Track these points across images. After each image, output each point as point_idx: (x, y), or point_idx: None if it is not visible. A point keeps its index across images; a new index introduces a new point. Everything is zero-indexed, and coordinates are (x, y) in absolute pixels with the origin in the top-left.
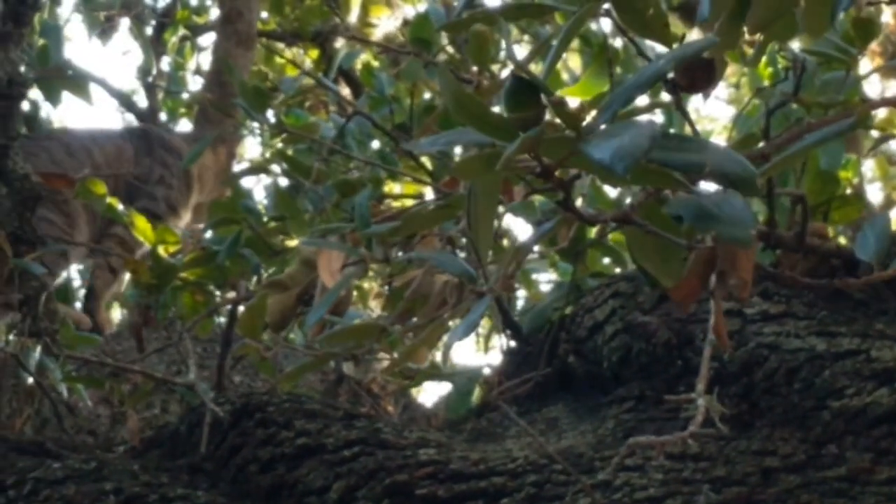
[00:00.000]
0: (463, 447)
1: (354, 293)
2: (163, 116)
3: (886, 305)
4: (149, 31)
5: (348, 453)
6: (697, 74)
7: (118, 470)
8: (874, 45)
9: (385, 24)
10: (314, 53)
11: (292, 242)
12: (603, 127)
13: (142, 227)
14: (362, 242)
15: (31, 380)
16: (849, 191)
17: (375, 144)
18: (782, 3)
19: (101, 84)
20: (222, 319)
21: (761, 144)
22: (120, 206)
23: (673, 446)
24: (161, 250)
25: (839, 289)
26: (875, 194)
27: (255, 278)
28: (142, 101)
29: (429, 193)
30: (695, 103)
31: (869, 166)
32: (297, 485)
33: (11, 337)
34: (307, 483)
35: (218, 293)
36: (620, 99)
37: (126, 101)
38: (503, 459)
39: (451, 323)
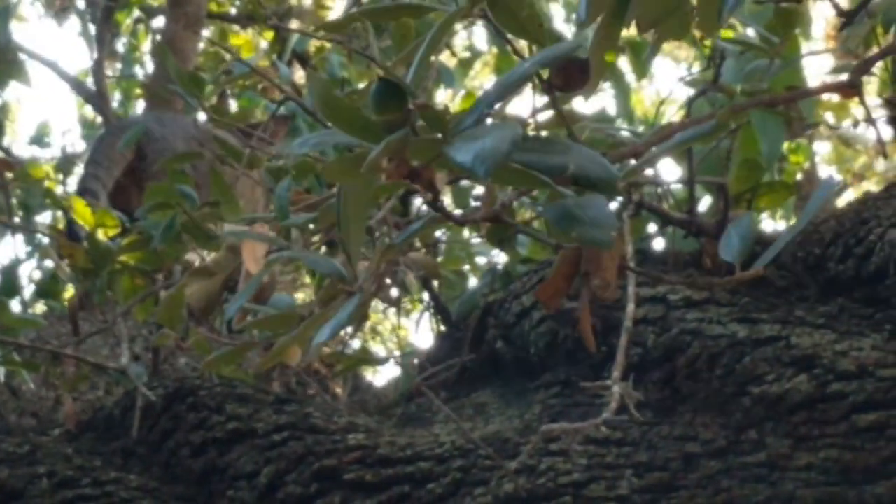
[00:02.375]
0: (391, 432)
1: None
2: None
3: (807, 292)
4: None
5: (278, 438)
6: (573, 75)
7: (52, 453)
8: (830, 30)
9: (339, 5)
10: (269, 35)
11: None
12: (467, 129)
13: (80, 210)
14: (281, 231)
15: None
16: (799, 175)
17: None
18: (666, 4)
19: (51, 66)
20: None
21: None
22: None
23: (595, 431)
24: (100, 234)
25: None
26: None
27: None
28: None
29: None
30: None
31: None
32: (227, 469)
33: None
34: (237, 467)
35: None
36: (487, 100)
37: (76, 84)
38: (430, 444)
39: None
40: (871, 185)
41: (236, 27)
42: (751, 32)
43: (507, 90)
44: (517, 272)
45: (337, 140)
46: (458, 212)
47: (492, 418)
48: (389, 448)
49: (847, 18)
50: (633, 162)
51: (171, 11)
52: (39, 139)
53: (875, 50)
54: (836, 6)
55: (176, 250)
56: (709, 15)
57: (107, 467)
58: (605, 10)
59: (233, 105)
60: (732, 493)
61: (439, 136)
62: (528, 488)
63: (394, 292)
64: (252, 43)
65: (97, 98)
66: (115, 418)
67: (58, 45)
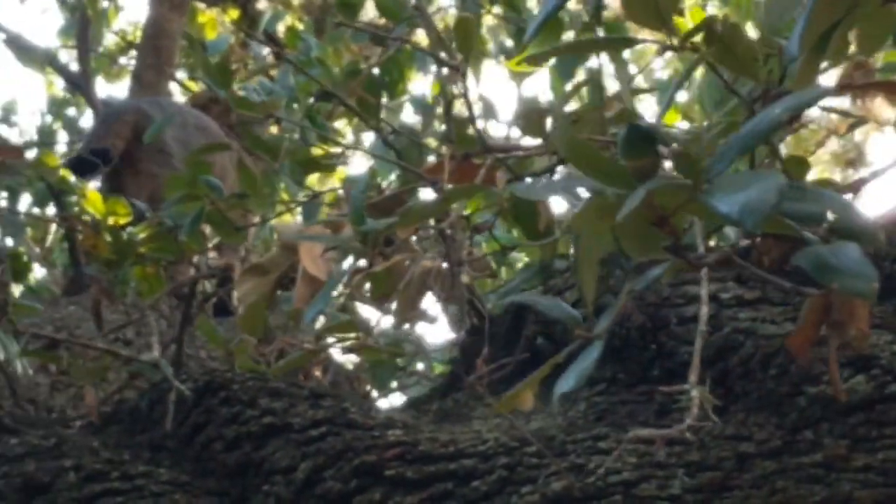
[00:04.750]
0: (430, 428)
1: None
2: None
3: None
4: None
5: (315, 433)
6: None
7: (78, 446)
8: None
9: None
10: (234, 14)
11: (255, 219)
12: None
13: (92, 199)
14: (356, 236)
15: None
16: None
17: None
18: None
19: (23, 45)
20: None
21: None
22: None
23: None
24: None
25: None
26: None
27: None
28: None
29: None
30: None
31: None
32: (262, 464)
33: None
34: (273, 462)
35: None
36: (737, 147)
37: (57, 65)
38: (473, 441)
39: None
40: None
41: (202, 5)
42: None
43: (756, 137)
44: (556, 267)
45: (584, 185)
46: None
47: (533, 415)
48: (430, 444)
49: None
50: None
51: None
52: (6, 118)
53: None
54: None
55: (198, 241)
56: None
57: (135, 461)
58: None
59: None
60: (788, 494)
61: (689, 182)
62: (577, 487)
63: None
64: (215, 21)
65: (81, 80)
66: (141, 411)
67: (15, 18)
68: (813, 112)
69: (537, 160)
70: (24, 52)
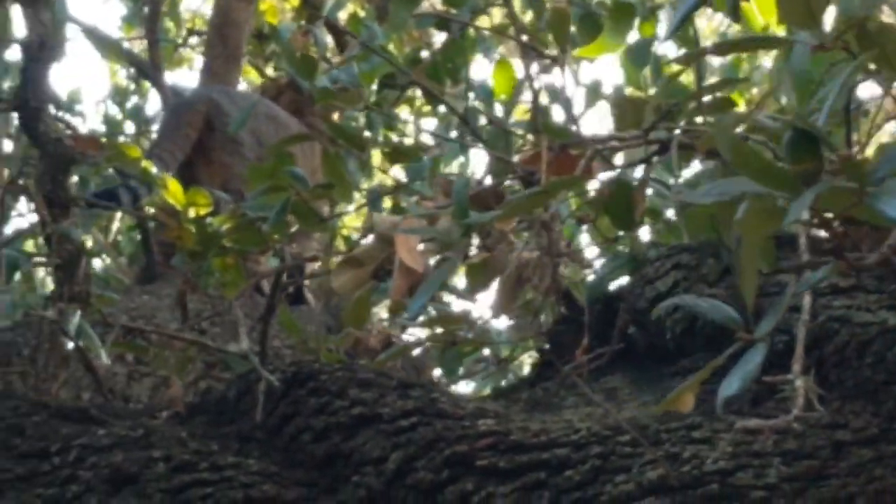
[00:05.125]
0: (521, 417)
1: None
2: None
3: None
4: None
5: (405, 423)
6: None
7: (166, 437)
8: None
9: None
10: (294, 1)
11: (339, 209)
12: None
13: (174, 189)
14: (456, 228)
15: (70, 345)
16: None
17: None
18: None
19: (93, 33)
20: None
21: None
22: (154, 170)
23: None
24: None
25: None
26: None
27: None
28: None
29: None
30: None
31: None
32: (352, 454)
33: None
34: (363, 453)
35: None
36: None
37: (128, 55)
38: (565, 430)
39: None
40: None
41: None
42: None
43: None
44: (645, 256)
45: (747, 189)
46: None
47: (625, 404)
48: (522, 434)
49: None
50: None
51: None
52: (70, 107)
53: None
54: None
55: (282, 232)
56: None
57: (224, 452)
58: None
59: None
60: (885, 482)
61: (855, 185)
62: (672, 476)
63: None
64: (276, 8)
65: (151, 69)
66: (228, 402)
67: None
68: None
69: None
70: (102, 42)
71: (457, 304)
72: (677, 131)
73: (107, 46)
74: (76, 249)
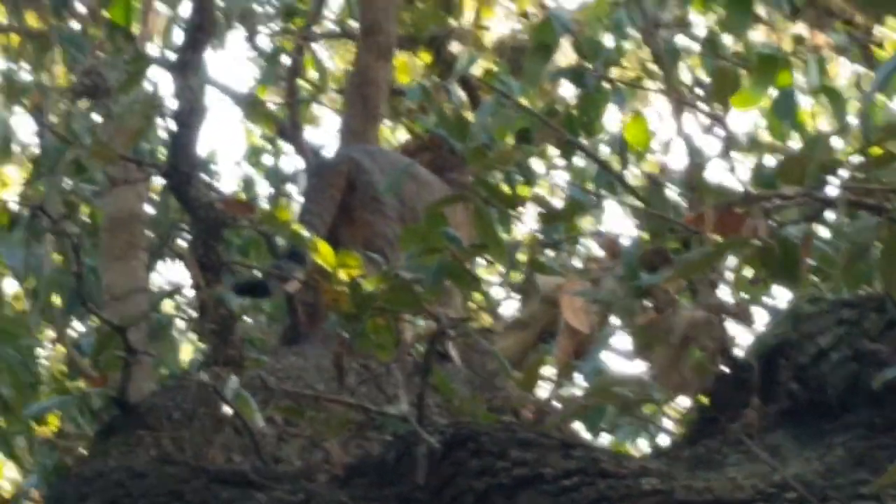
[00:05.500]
0: (685, 476)
1: None
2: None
3: None
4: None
5: (568, 483)
6: None
7: (326, 501)
8: None
9: (498, 27)
10: (426, 57)
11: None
12: None
13: (324, 251)
14: (626, 290)
15: (226, 409)
16: None
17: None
18: None
19: (233, 95)
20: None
21: None
22: (305, 233)
23: None
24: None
25: None
26: None
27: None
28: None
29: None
30: None
31: None
32: None
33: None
34: None
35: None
36: None
37: (267, 114)
38: (730, 488)
39: None
40: None
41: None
42: None
43: None
44: (805, 311)
45: None
46: None
47: (788, 461)
48: (686, 492)
49: None
50: None
51: (363, 42)
52: (206, 166)
53: None
54: None
55: (436, 293)
56: None
57: None
58: None
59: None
60: None
61: None
62: None
63: None
64: (408, 65)
65: (291, 129)
66: (387, 464)
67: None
68: None
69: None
70: (250, 106)
71: (616, 363)
72: (841, 188)
73: (254, 110)
74: (230, 314)
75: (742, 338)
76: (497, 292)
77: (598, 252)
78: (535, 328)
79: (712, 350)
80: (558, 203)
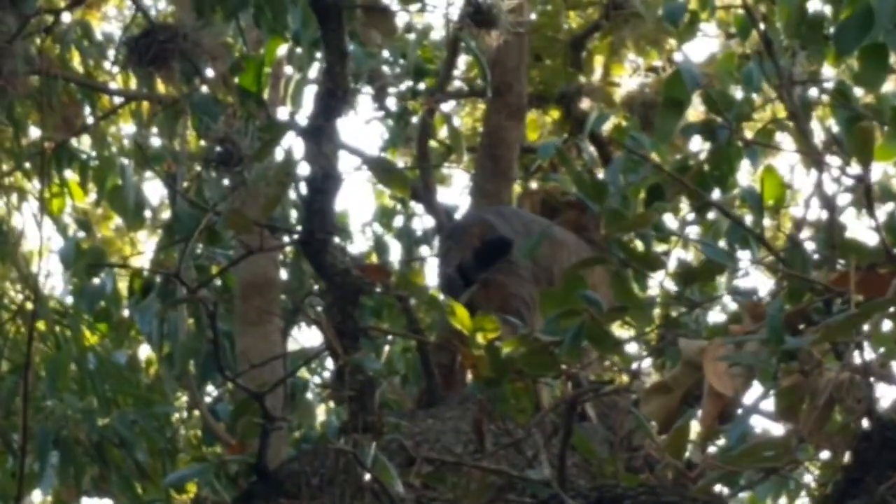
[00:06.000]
0: None
1: None
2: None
3: None
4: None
5: None
6: None
7: None
8: None
9: (627, 83)
10: (556, 114)
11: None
12: None
13: (461, 315)
14: (770, 353)
15: (366, 475)
16: None
17: None
18: None
19: (363, 156)
20: None
21: None
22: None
23: None
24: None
25: None
26: None
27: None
28: None
29: None
30: None
31: None
32: None
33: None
34: None
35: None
36: None
37: (399, 176)
38: None
39: None
40: None
41: None
42: None
43: None
44: None
45: None
46: None
47: None
48: None
49: None
50: None
51: (493, 102)
52: (341, 232)
53: None
54: None
55: (575, 356)
56: None
57: None
58: None
59: None
60: None
61: None
62: None
63: None
64: (536, 122)
65: (424, 191)
66: None
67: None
68: None
69: None
70: (388, 173)
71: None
72: None
73: (392, 177)
74: (368, 380)
75: (886, 396)
76: (630, 348)
77: (735, 308)
78: (678, 392)
79: (858, 410)
80: (690, 256)
